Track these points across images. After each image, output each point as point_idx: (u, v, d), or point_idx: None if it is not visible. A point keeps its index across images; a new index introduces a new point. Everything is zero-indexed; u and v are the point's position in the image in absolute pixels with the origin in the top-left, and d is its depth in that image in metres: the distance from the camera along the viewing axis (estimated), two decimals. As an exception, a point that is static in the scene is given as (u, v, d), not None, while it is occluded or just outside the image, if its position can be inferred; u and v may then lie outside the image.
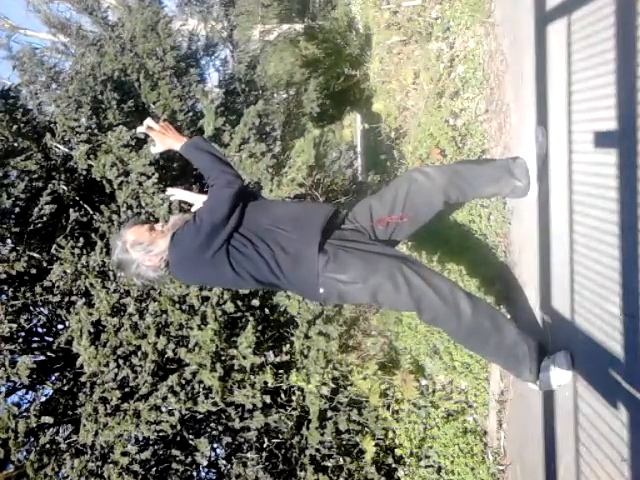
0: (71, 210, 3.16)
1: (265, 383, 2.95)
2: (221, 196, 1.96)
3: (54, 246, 3.05)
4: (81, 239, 3.12)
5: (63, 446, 3.00)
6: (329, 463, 3.07)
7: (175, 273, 2.14)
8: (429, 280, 1.98)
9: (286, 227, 2.00)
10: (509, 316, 2.52)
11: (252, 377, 2.96)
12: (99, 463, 2.88)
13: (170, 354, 2.91)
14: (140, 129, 2.12)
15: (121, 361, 2.92)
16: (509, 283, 2.70)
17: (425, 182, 2.19)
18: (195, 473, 3.29)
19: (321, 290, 1.97)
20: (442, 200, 2.24)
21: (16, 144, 3.17)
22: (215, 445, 3.35)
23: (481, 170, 2.32)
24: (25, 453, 2.90)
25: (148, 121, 2.11)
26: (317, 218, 2.04)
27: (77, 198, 3.33)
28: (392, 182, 2.35)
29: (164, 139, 2.10)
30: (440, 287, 1.98)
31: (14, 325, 2.94)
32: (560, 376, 2.05)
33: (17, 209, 3.11)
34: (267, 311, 3.22)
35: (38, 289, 3.03)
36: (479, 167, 2.37)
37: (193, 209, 2.27)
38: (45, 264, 3.09)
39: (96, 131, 3.25)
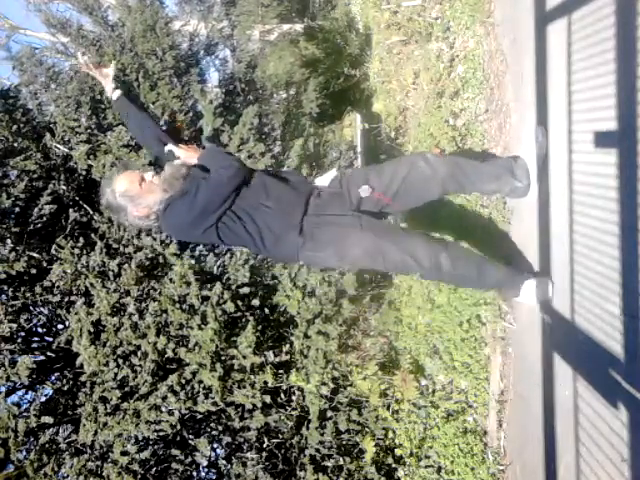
0: (71, 210, 3.16)
1: (265, 383, 2.95)
2: (220, 179, 2.05)
3: (54, 246, 3.04)
4: (81, 239, 3.12)
5: (63, 446, 3.00)
6: (329, 463, 3.07)
7: (166, 231, 2.38)
8: (406, 249, 2.09)
9: (271, 206, 2.12)
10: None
11: (252, 377, 2.96)
12: (99, 462, 2.88)
13: (170, 354, 2.90)
14: (168, 147, 2.19)
15: (121, 361, 2.91)
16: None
17: (426, 170, 2.19)
18: (195, 473, 3.29)
19: (301, 262, 2.30)
20: (439, 191, 2.27)
21: (16, 144, 3.16)
22: (215, 445, 3.35)
23: (482, 166, 2.32)
24: (25, 453, 2.89)
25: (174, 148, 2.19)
26: (299, 201, 2.15)
27: (77, 198, 3.33)
28: (396, 160, 2.34)
29: (187, 156, 2.16)
30: (418, 255, 2.09)
31: (14, 325, 2.94)
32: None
33: (17, 209, 3.10)
34: (267, 311, 3.22)
35: (38, 289, 3.03)
36: (481, 163, 2.37)
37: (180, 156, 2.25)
38: (45, 264, 3.09)
39: (96, 131, 3.25)
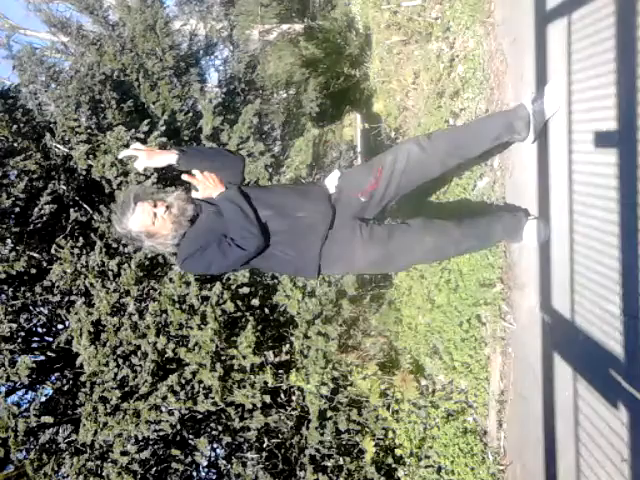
0: (71, 210, 3.16)
1: (265, 383, 2.95)
2: (235, 256, 2.06)
3: (54, 246, 3.04)
4: (81, 239, 3.12)
5: (63, 445, 3.00)
6: (329, 463, 3.07)
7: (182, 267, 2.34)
8: (410, 251, 2.20)
9: (287, 251, 2.14)
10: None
11: (252, 377, 2.96)
12: (98, 462, 2.88)
13: (170, 354, 2.91)
14: (185, 177, 2.13)
15: (121, 361, 2.91)
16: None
17: (421, 155, 2.19)
18: (195, 473, 3.29)
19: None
20: (441, 170, 2.31)
21: (16, 144, 3.16)
22: (215, 445, 3.35)
23: (480, 132, 2.31)
24: (25, 452, 2.90)
25: (197, 175, 2.12)
26: (315, 244, 2.13)
27: (77, 198, 3.33)
28: (390, 152, 2.27)
29: (205, 189, 2.10)
30: (425, 249, 2.21)
31: (14, 325, 2.94)
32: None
33: (17, 209, 3.10)
34: (267, 311, 3.22)
35: (38, 289, 3.03)
36: (478, 128, 2.37)
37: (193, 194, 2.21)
38: (45, 264, 3.09)
39: (95, 131, 3.25)
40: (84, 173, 3.26)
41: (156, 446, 3.15)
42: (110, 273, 3.05)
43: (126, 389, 2.93)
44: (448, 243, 2.25)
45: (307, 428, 3.06)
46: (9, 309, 2.95)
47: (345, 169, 2.35)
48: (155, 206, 2.06)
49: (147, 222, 2.05)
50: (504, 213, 2.43)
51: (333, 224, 2.13)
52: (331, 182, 2.23)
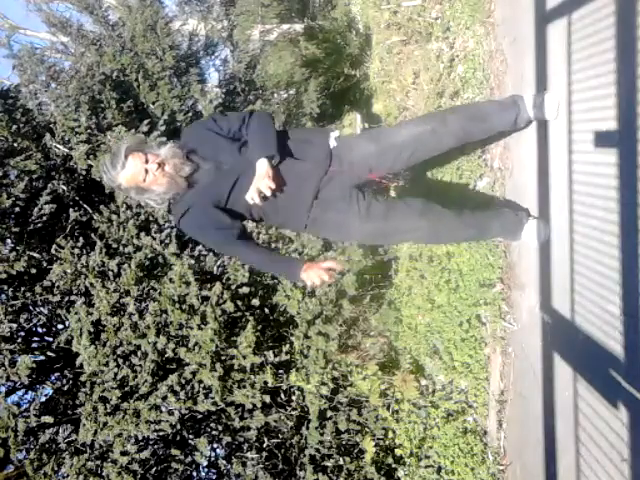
0: (71, 210, 3.16)
1: (265, 383, 2.95)
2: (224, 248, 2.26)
3: (54, 246, 3.04)
4: (81, 239, 3.12)
5: (63, 445, 3.00)
6: (329, 463, 3.07)
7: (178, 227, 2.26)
8: (408, 235, 2.26)
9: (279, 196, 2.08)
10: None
11: (252, 377, 2.96)
12: (98, 462, 2.88)
13: (170, 354, 2.90)
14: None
15: (121, 360, 2.91)
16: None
17: (432, 139, 2.18)
18: (195, 473, 3.29)
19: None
20: (450, 146, 2.29)
21: (16, 144, 3.16)
22: (215, 445, 3.35)
23: (493, 112, 2.31)
24: (25, 452, 2.89)
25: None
26: (307, 194, 2.10)
27: (77, 198, 3.33)
28: (395, 133, 2.23)
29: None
30: (420, 234, 2.25)
31: (14, 325, 2.94)
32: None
33: (17, 209, 3.10)
34: (267, 311, 3.22)
35: (38, 289, 3.03)
36: (490, 108, 2.37)
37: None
38: (45, 264, 3.09)
39: (95, 131, 3.25)
40: (84, 173, 3.26)
41: (156, 446, 3.16)
42: (110, 273, 3.05)
43: (126, 389, 2.93)
44: (444, 230, 2.25)
45: (307, 428, 3.06)
46: (9, 309, 2.95)
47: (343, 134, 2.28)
48: (147, 161, 1.99)
49: (138, 178, 1.99)
50: (506, 210, 2.42)
51: (326, 178, 2.09)
52: (333, 134, 2.19)
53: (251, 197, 1.99)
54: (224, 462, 3.24)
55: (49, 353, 3.18)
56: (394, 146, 2.15)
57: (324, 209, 2.12)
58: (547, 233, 2.29)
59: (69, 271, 3.01)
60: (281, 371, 3.10)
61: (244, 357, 2.93)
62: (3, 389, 2.92)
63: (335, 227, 2.18)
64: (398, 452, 3.07)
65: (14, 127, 3.16)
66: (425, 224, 2.18)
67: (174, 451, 3.05)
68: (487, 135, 2.40)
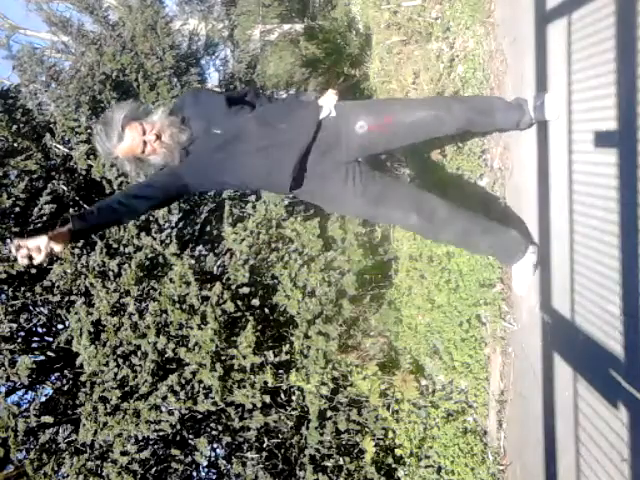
0: (71, 210, 3.16)
1: (265, 383, 2.95)
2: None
3: (54, 246, 3.04)
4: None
5: (62, 445, 3.00)
6: (329, 463, 3.07)
7: None
8: (396, 222, 2.28)
9: (262, 160, 2.05)
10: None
11: (252, 377, 2.96)
12: (98, 462, 2.88)
13: (170, 354, 2.91)
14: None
15: (121, 360, 2.91)
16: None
17: (432, 124, 2.16)
18: (195, 473, 3.29)
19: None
20: (449, 134, 2.32)
21: (16, 144, 3.16)
22: (215, 445, 3.35)
23: (497, 109, 2.30)
24: (25, 452, 2.89)
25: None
26: (292, 158, 2.03)
27: (77, 198, 3.33)
28: (400, 110, 2.16)
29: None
30: (408, 224, 2.23)
31: (14, 325, 2.94)
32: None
33: (17, 209, 3.10)
34: (267, 311, 3.22)
35: (38, 289, 3.03)
36: (493, 103, 2.37)
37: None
38: (45, 264, 3.09)
39: (96, 131, 3.25)
40: (84, 173, 3.26)
41: (156, 446, 3.16)
42: (110, 273, 3.05)
43: (126, 389, 2.93)
44: (430, 229, 2.20)
45: (307, 428, 3.06)
46: (9, 309, 2.95)
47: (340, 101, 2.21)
48: (144, 132, 1.93)
49: (136, 150, 1.94)
50: (502, 229, 2.29)
51: (311, 150, 2.04)
52: (327, 104, 2.10)
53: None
54: (224, 462, 3.24)
55: (49, 353, 3.18)
56: (394, 124, 2.10)
57: (320, 184, 2.09)
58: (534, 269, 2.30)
59: (69, 271, 3.01)
60: (281, 371, 3.10)
61: (244, 357, 2.93)
62: (3, 389, 2.92)
63: (330, 199, 2.17)
64: (398, 452, 3.07)
65: (14, 127, 3.17)
66: (415, 217, 2.12)
67: (174, 451, 3.05)
68: (488, 129, 2.40)
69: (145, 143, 1.93)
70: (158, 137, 1.94)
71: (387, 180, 2.19)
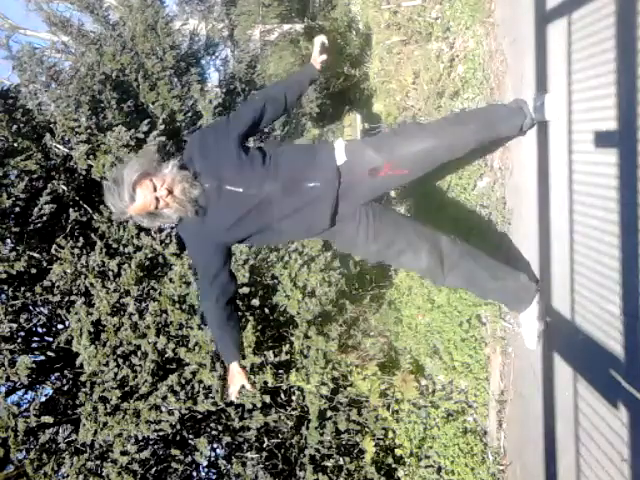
0: (71, 210, 3.16)
1: (265, 383, 2.95)
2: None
3: (54, 246, 3.05)
4: (81, 239, 3.12)
5: (62, 445, 3.00)
6: (329, 463, 3.07)
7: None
8: (405, 266, 2.23)
9: (297, 222, 2.08)
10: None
11: (252, 377, 2.96)
12: (98, 462, 2.88)
13: (170, 354, 2.91)
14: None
15: (121, 360, 2.91)
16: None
17: (445, 154, 2.15)
18: (195, 473, 3.29)
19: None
20: (459, 157, 2.26)
21: (16, 144, 3.16)
22: (215, 445, 3.35)
23: (502, 117, 2.29)
24: (25, 452, 2.89)
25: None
26: (326, 210, 2.05)
27: (77, 198, 3.33)
28: (398, 144, 2.11)
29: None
30: (415, 267, 2.23)
31: (14, 325, 2.93)
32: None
33: (17, 209, 3.10)
34: (267, 311, 3.22)
35: (38, 289, 3.02)
36: (496, 114, 2.34)
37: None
38: (45, 264, 3.09)
39: (95, 131, 3.25)
40: (84, 173, 3.25)
41: (156, 446, 3.16)
42: (110, 273, 3.05)
43: (126, 389, 2.93)
44: (439, 274, 2.18)
45: (307, 428, 3.06)
46: (9, 309, 2.95)
47: (350, 141, 2.18)
48: (155, 189, 1.92)
49: (149, 207, 1.93)
50: (511, 273, 2.24)
51: (339, 197, 2.04)
52: (339, 147, 2.09)
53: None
54: (224, 462, 3.24)
55: (49, 353, 3.18)
56: (405, 159, 2.07)
57: (339, 226, 2.11)
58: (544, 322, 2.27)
59: (69, 271, 3.01)
60: (281, 371, 3.10)
61: (244, 357, 2.93)
62: (3, 389, 2.92)
63: (343, 241, 2.18)
64: (398, 452, 3.07)
65: (14, 127, 3.16)
66: (425, 259, 2.11)
67: (174, 451, 3.05)
68: (494, 141, 2.39)
69: (157, 199, 1.92)
70: (170, 192, 1.92)
71: (398, 220, 2.18)
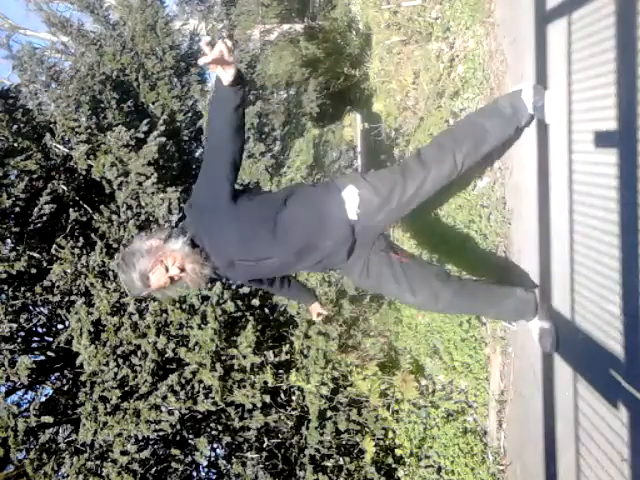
0: (71, 210, 3.16)
1: (265, 383, 2.95)
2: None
3: (54, 246, 3.04)
4: (81, 239, 3.12)
5: (62, 445, 3.00)
6: (329, 463, 3.07)
7: None
8: (408, 291, 2.11)
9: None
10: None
11: (252, 377, 2.96)
12: (98, 462, 2.88)
13: (170, 353, 2.91)
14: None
15: (121, 360, 2.91)
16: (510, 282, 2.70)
17: (444, 183, 2.13)
18: (195, 473, 3.30)
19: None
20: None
21: (16, 144, 3.16)
22: (215, 445, 3.35)
23: (492, 129, 2.23)
24: (25, 452, 2.89)
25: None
26: (342, 255, 2.07)
27: (77, 198, 3.33)
28: (402, 183, 2.08)
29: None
30: (424, 298, 2.12)
31: (14, 325, 2.94)
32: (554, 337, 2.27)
33: (17, 209, 3.10)
34: (267, 311, 3.22)
35: (38, 289, 3.03)
36: (488, 130, 2.25)
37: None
38: (45, 264, 3.09)
39: (95, 131, 3.25)
40: (84, 173, 3.25)
41: (156, 446, 3.16)
42: (110, 273, 3.05)
43: (126, 389, 2.93)
44: (434, 309, 2.28)
45: (307, 428, 3.06)
46: (9, 309, 2.95)
47: (361, 188, 2.12)
48: (167, 269, 1.90)
49: (165, 286, 1.93)
50: (506, 293, 2.27)
51: (354, 244, 2.05)
52: (350, 200, 2.01)
53: None
54: (224, 462, 3.24)
55: (49, 353, 3.18)
56: (410, 201, 2.08)
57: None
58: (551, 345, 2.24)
59: (69, 271, 3.01)
60: (281, 371, 3.10)
61: (244, 357, 2.93)
62: (3, 389, 2.92)
63: (344, 268, 2.16)
64: (398, 452, 3.07)
65: (14, 127, 3.16)
66: (421, 300, 2.14)
67: (174, 451, 3.05)
68: (491, 152, 2.38)
69: (172, 278, 1.92)
70: (182, 269, 1.91)
71: (392, 262, 2.15)
